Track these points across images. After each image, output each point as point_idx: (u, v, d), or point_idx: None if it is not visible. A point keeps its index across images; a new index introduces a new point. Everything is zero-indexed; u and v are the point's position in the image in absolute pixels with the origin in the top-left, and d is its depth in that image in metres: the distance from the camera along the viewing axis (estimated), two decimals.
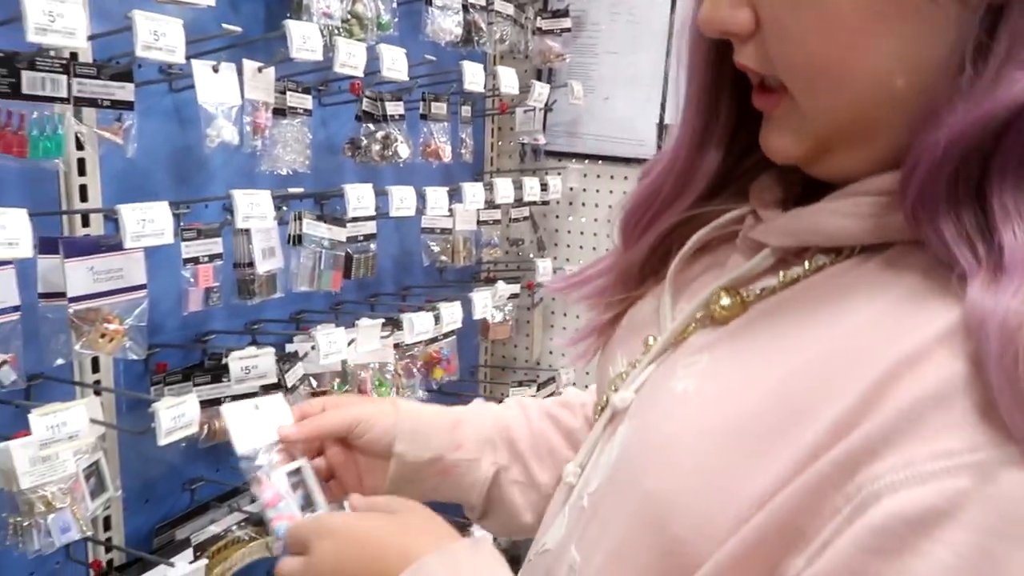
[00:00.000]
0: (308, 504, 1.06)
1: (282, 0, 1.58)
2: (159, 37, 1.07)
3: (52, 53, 1.06)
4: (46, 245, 1.12)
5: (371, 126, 1.70)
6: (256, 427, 0.93)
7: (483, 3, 1.89)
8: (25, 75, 1.04)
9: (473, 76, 1.79)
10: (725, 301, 0.50)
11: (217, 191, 1.53)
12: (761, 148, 0.52)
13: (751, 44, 0.47)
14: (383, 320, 1.63)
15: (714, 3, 0.47)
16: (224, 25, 1.20)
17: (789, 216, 0.50)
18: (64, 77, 1.08)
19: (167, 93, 1.42)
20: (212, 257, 1.32)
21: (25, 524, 1.05)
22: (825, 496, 0.38)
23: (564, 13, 2.17)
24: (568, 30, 2.17)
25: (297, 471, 1.02)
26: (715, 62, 0.53)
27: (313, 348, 1.47)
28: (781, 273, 0.49)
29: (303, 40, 1.30)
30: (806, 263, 0.48)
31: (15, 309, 1.06)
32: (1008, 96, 0.38)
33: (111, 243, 1.13)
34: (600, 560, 0.49)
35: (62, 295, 1.11)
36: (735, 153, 0.57)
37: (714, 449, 0.43)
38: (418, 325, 1.68)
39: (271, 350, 1.31)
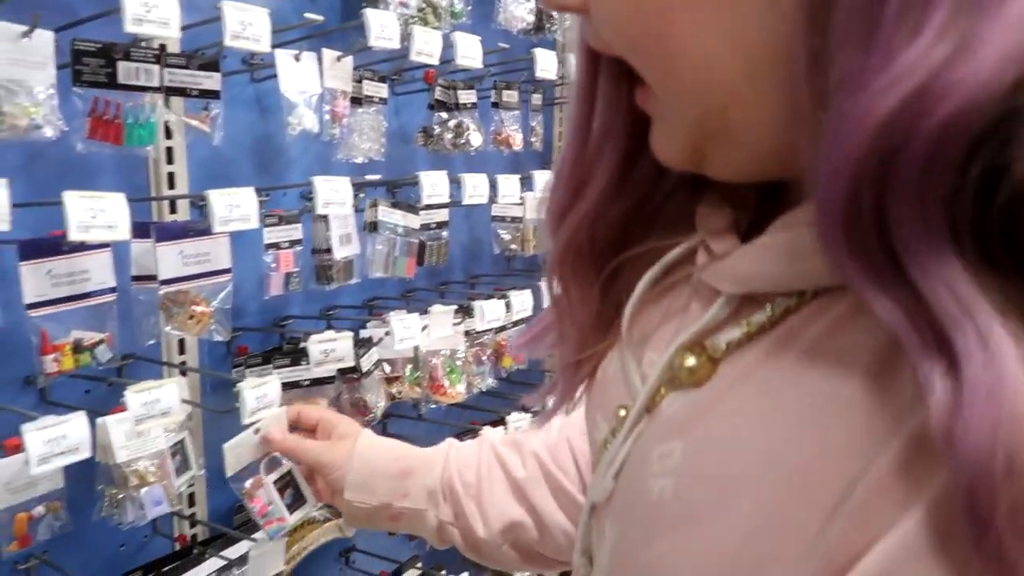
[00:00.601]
0: (297, 500, 1.16)
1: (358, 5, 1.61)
2: (246, 27, 1.10)
3: (144, 44, 1.10)
4: (138, 230, 1.16)
5: (443, 114, 1.71)
6: (252, 447, 1.09)
7: None
8: (121, 65, 1.07)
9: (545, 64, 1.78)
10: (691, 362, 0.43)
11: (294, 178, 1.56)
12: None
13: (592, 25, 0.41)
14: (455, 307, 1.64)
15: None
16: (306, 15, 1.22)
17: (735, 258, 0.42)
18: (156, 67, 1.12)
19: (248, 83, 1.46)
20: (292, 243, 1.36)
21: (120, 496, 1.10)
22: None
23: None
24: None
25: (287, 474, 1.15)
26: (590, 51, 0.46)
27: (387, 334, 1.49)
28: (745, 322, 0.41)
29: (381, 29, 1.31)
30: (769, 307, 0.40)
31: (112, 290, 1.10)
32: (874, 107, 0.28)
33: (199, 228, 1.17)
34: None
35: (153, 278, 1.16)
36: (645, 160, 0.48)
37: (702, 571, 0.38)
38: (488, 313, 1.68)
39: (349, 335, 1.34)
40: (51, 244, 1.03)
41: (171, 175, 1.33)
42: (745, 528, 0.35)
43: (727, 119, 0.38)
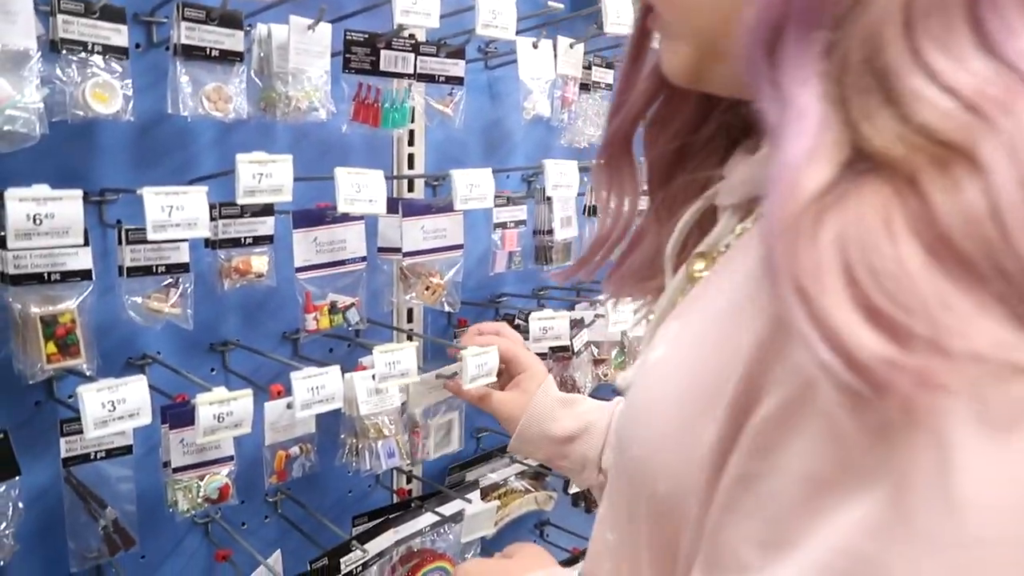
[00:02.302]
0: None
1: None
2: (496, 16, 1.15)
3: (404, 35, 1.19)
4: (387, 205, 1.27)
5: None
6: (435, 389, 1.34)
7: None
8: (383, 54, 1.17)
9: None
10: (699, 266, 0.52)
11: (518, 161, 1.63)
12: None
13: None
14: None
15: None
16: (550, 2, 1.26)
17: (736, 172, 0.50)
18: (412, 55, 1.21)
19: (482, 70, 1.54)
20: (517, 223, 1.42)
21: (360, 446, 1.22)
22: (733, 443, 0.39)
23: None
24: None
25: None
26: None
27: (598, 317, 1.52)
28: (738, 228, 0.50)
29: (617, 15, 1.33)
30: (753, 215, 0.48)
31: (363, 259, 1.22)
32: None
33: (440, 205, 1.25)
34: (615, 539, 0.52)
35: (397, 250, 1.26)
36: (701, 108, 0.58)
37: (676, 410, 0.44)
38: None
39: (567, 314, 1.38)
40: (318, 215, 1.16)
41: (411, 156, 1.44)
42: (701, 361, 0.43)
43: (727, 37, 0.42)
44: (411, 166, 1.44)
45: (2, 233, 0.85)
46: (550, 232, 1.46)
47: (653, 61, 0.56)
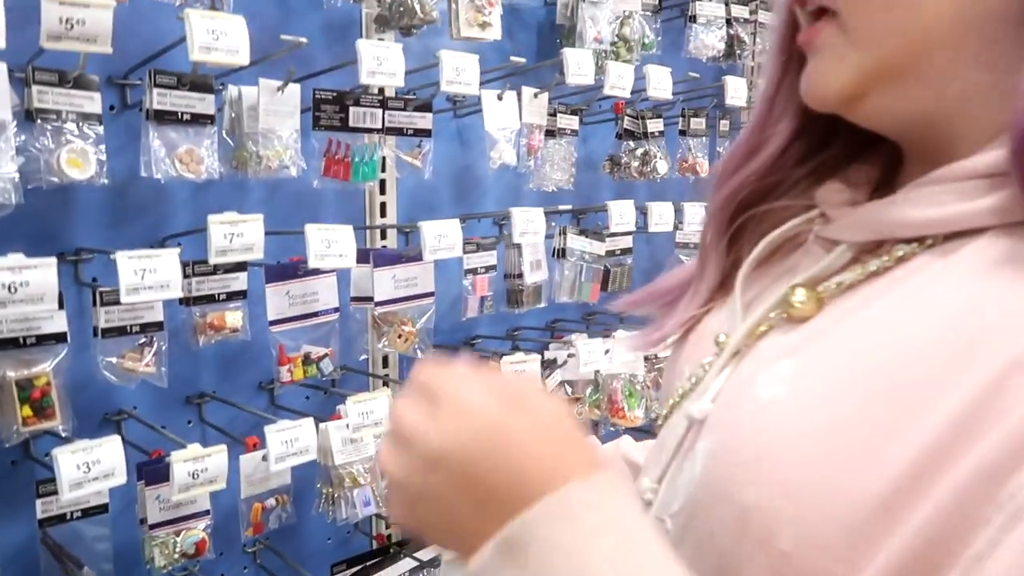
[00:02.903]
0: None
1: (553, 27, 1.69)
2: (460, 72, 1.20)
3: (372, 90, 1.23)
4: (358, 255, 1.29)
5: (631, 143, 1.75)
6: None
7: (746, 16, 1.87)
8: (352, 111, 1.21)
9: (736, 91, 1.78)
10: (800, 297, 0.47)
11: (490, 206, 1.66)
12: (803, 95, 0.49)
13: None
14: (625, 310, 1.67)
15: None
16: (512, 58, 1.31)
17: (864, 210, 0.47)
18: (380, 110, 1.25)
19: (451, 119, 1.58)
20: (488, 268, 1.45)
21: (335, 495, 1.23)
22: (973, 508, 0.35)
23: None
24: None
25: None
26: (791, 32, 0.51)
27: (571, 356, 1.55)
28: (859, 268, 0.46)
29: (578, 66, 1.38)
30: (884, 256, 0.45)
31: (336, 310, 1.24)
32: None
33: (411, 255, 1.28)
34: None
35: (369, 299, 1.28)
36: (810, 130, 0.54)
37: (815, 456, 0.40)
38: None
39: (537, 357, 1.41)
40: (291, 268, 1.18)
41: (383, 204, 1.47)
42: (860, 405, 0.40)
43: (916, 61, 0.43)
44: (383, 215, 1.47)
45: None
46: (520, 276, 1.49)
47: (794, 100, 0.53)
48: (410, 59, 1.19)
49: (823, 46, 0.46)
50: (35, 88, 0.95)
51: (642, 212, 1.65)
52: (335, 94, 1.20)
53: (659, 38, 1.73)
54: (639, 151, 1.75)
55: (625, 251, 1.71)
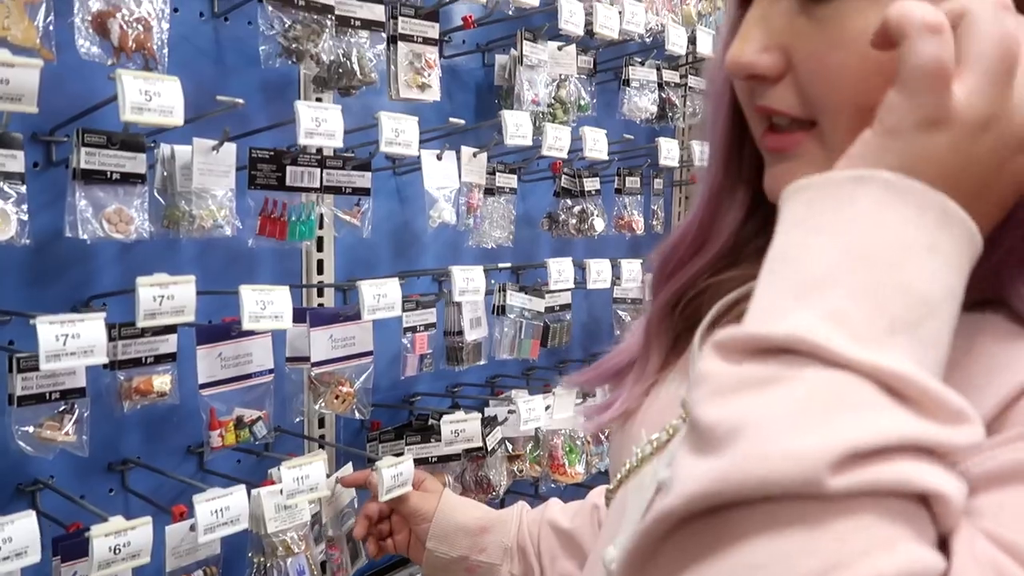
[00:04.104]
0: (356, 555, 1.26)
1: (491, 88, 1.72)
2: (399, 134, 1.20)
3: (310, 149, 1.23)
4: (294, 315, 1.27)
5: (568, 201, 1.78)
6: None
7: (677, 80, 1.94)
8: (289, 170, 1.20)
9: (668, 152, 1.83)
10: None
11: (429, 263, 1.66)
12: (766, 191, 0.50)
13: (780, 86, 0.47)
14: (576, 388, 1.67)
15: (741, 47, 0.47)
16: (452, 119, 1.32)
17: None
18: (318, 170, 1.24)
19: (391, 177, 1.58)
20: (427, 326, 1.44)
21: (268, 565, 1.18)
22: None
23: None
24: None
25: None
26: (736, 117, 0.52)
27: (512, 413, 1.54)
28: None
29: (516, 128, 1.40)
30: None
31: (270, 372, 1.21)
32: None
33: (349, 314, 1.27)
34: None
35: (306, 359, 1.26)
36: (756, 215, 0.55)
37: None
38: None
39: (478, 416, 1.40)
40: (223, 329, 1.15)
41: (320, 262, 1.45)
42: None
43: None
44: (320, 272, 1.45)
45: None
46: (460, 333, 1.48)
47: (742, 190, 0.55)
48: (348, 118, 1.19)
49: (797, 154, 0.48)
50: None
51: (580, 268, 1.67)
52: (272, 153, 1.19)
53: (594, 100, 1.78)
54: (576, 209, 1.78)
55: (564, 307, 1.73)
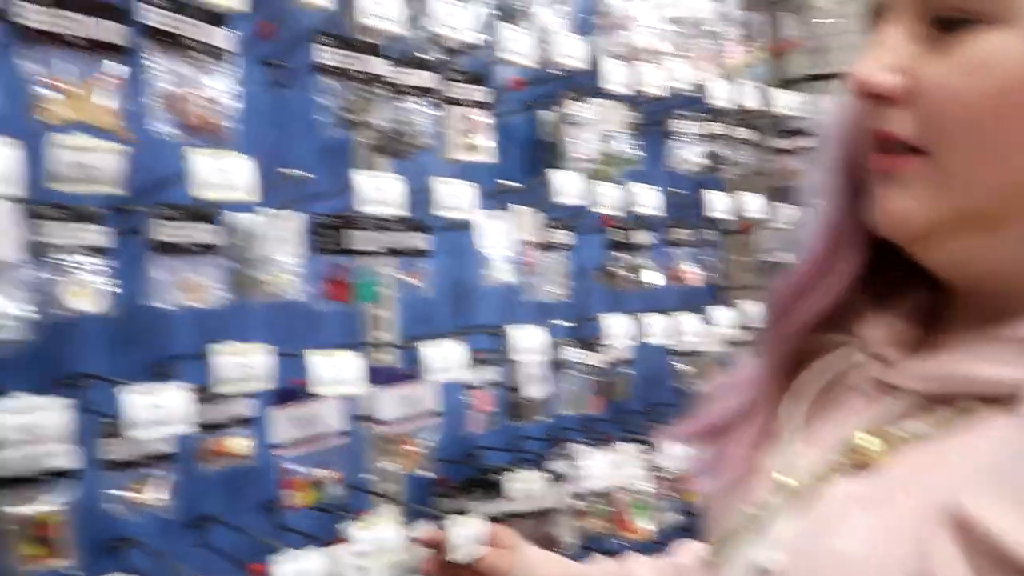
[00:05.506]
0: None
1: (539, 143, 1.76)
2: (453, 198, 1.25)
3: (371, 213, 1.28)
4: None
5: (620, 254, 1.80)
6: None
7: (723, 131, 1.97)
8: (356, 233, 1.25)
9: (716, 203, 1.85)
10: (868, 443, 0.47)
11: (487, 317, 1.68)
12: (873, 219, 0.48)
13: (900, 111, 0.46)
14: (640, 443, 1.66)
15: (867, 65, 0.46)
16: (504, 181, 1.37)
17: (935, 362, 0.47)
18: (379, 233, 1.28)
19: (447, 236, 1.62)
20: (490, 384, 1.45)
21: None
22: None
23: (802, 132, 2.19)
24: (807, 148, 2.18)
25: None
26: (855, 164, 0.51)
27: (575, 469, 1.53)
28: (926, 418, 0.46)
29: (565, 187, 1.44)
30: (952, 409, 0.45)
31: (342, 433, 1.23)
32: None
33: (413, 374, 1.29)
34: None
35: (374, 419, 1.28)
36: (874, 259, 0.53)
37: None
38: (673, 447, 1.69)
39: (541, 474, 1.40)
40: (294, 392, 1.18)
41: (382, 320, 1.49)
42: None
43: (1004, 216, 0.44)
44: (381, 328, 1.48)
45: None
46: (521, 389, 1.50)
47: (859, 227, 0.52)
48: (405, 180, 1.24)
49: (907, 179, 0.46)
50: (40, 223, 0.97)
51: (636, 321, 1.68)
52: (334, 218, 1.24)
53: (641, 154, 1.81)
54: (628, 262, 1.80)
55: (623, 361, 1.73)
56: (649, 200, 1.65)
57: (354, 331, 1.45)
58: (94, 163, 0.89)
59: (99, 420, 1.02)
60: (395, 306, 1.50)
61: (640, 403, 2.06)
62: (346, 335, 1.43)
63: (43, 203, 0.98)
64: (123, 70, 0.98)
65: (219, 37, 1.04)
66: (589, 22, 1.69)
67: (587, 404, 1.64)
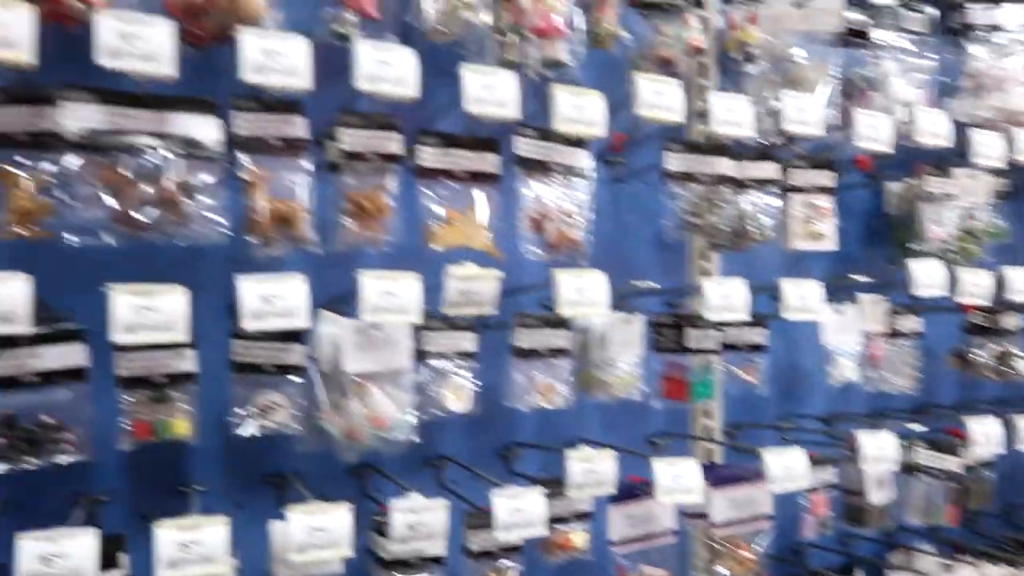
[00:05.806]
0: None
1: (880, 215, 1.61)
2: (803, 299, 1.19)
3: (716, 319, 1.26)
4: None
5: (983, 339, 1.59)
6: None
7: None
8: (690, 332, 1.25)
9: None
10: None
11: (817, 406, 1.58)
12: None
13: None
14: (1006, 562, 1.45)
15: None
16: (853, 275, 1.28)
17: None
18: (715, 331, 1.27)
19: (782, 327, 1.55)
20: (828, 487, 1.36)
21: None
22: None
23: None
24: None
25: None
26: None
27: (917, 572, 1.38)
28: None
29: (927, 278, 1.30)
30: None
31: (672, 532, 1.24)
32: None
33: (749, 476, 1.25)
34: None
35: (704, 516, 1.26)
36: None
37: None
38: None
39: None
40: (632, 490, 1.21)
41: (711, 412, 1.46)
42: None
43: None
44: (708, 417, 1.46)
45: None
46: (863, 494, 1.38)
47: None
48: (741, 273, 1.21)
49: None
50: (424, 333, 1.11)
51: (1005, 421, 1.46)
52: (673, 319, 1.25)
53: (1010, 226, 1.59)
54: (994, 349, 1.58)
55: (986, 464, 1.52)
56: (1022, 287, 1.43)
57: (681, 423, 1.44)
58: (478, 290, 0.99)
59: (466, 511, 1.13)
60: (721, 399, 1.47)
61: (1003, 513, 1.79)
62: (669, 425, 1.43)
63: (431, 314, 1.11)
64: (495, 196, 1.08)
65: (580, 158, 1.11)
66: (951, 86, 1.52)
67: (942, 514, 1.47)
